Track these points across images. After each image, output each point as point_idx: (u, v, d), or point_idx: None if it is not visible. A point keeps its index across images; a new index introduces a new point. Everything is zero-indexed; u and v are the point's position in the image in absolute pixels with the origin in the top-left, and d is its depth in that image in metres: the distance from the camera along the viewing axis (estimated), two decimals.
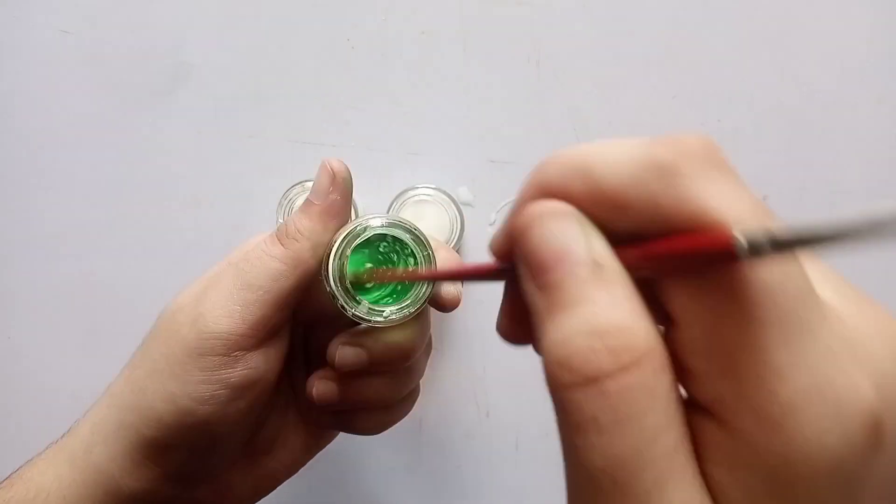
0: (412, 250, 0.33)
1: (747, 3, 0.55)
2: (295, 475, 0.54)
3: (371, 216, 0.34)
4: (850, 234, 0.14)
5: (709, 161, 0.18)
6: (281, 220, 0.49)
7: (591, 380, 0.16)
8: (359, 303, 0.33)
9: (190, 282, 0.36)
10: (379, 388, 0.37)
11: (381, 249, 0.34)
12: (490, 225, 0.55)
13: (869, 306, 0.19)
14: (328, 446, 0.55)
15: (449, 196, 0.51)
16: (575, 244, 0.18)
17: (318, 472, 0.54)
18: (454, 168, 0.55)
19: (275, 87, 0.54)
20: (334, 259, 0.33)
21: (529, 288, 0.19)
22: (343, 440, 0.54)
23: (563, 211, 0.19)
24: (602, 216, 0.18)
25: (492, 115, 0.55)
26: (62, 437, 0.35)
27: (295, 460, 0.40)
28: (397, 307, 0.33)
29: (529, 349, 0.22)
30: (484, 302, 0.55)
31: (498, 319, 0.24)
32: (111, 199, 0.54)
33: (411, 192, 0.51)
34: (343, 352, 0.34)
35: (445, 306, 0.35)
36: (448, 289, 0.35)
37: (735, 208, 0.17)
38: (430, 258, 0.33)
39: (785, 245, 0.15)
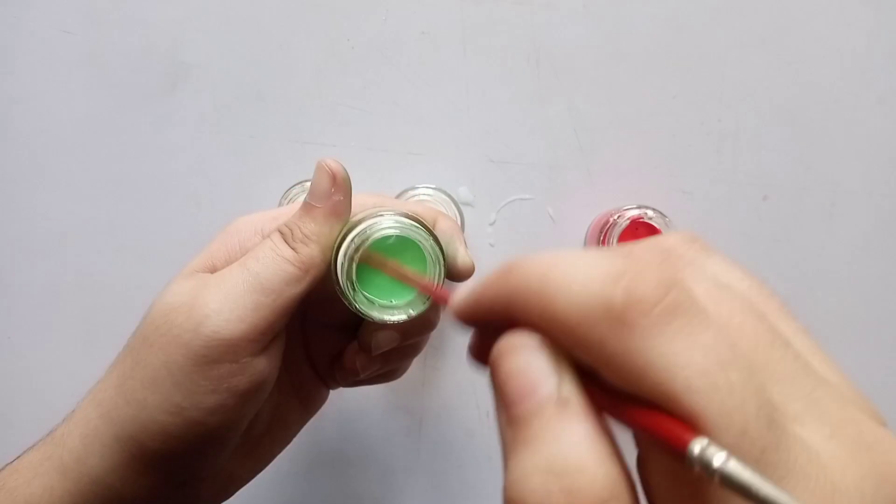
0: (424, 251, 0.33)
1: (748, 2, 0.55)
2: (295, 475, 0.54)
3: (381, 212, 0.33)
4: None
5: (666, 310, 0.16)
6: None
7: None
8: (373, 303, 0.33)
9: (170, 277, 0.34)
10: (408, 350, 0.39)
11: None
12: (490, 224, 0.55)
13: (866, 452, 0.17)
14: (328, 448, 0.55)
15: (449, 196, 0.51)
16: (544, 379, 0.18)
17: (318, 471, 0.54)
18: (454, 168, 0.55)
19: (275, 86, 0.54)
20: (345, 262, 0.32)
21: (500, 420, 0.19)
22: (343, 441, 0.54)
23: (536, 344, 0.18)
24: (562, 344, 0.18)
25: (492, 115, 0.55)
26: (41, 443, 0.33)
27: (290, 433, 0.39)
28: (407, 307, 0.33)
29: None
30: None
31: (470, 342, 0.23)
32: (111, 198, 0.54)
33: (411, 192, 0.51)
34: (377, 339, 0.36)
35: (461, 276, 0.36)
36: (464, 258, 0.36)
37: (682, 375, 0.16)
38: (440, 262, 0.33)
39: (730, 484, 0.14)
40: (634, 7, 0.55)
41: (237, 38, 0.54)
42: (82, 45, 0.54)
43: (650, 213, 0.49)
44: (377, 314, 0.33)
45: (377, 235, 0.32)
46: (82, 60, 0.54)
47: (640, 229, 0.50)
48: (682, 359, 0.16)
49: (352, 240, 0.32)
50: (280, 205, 0.49)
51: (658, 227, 0.49)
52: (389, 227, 0.32)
